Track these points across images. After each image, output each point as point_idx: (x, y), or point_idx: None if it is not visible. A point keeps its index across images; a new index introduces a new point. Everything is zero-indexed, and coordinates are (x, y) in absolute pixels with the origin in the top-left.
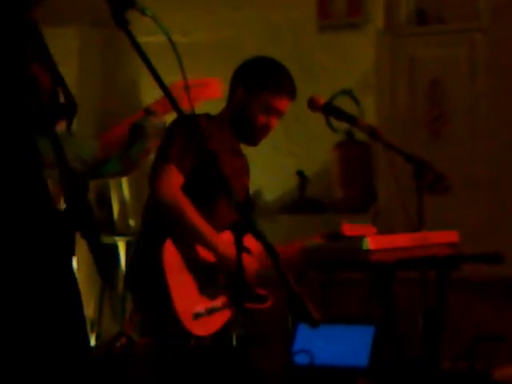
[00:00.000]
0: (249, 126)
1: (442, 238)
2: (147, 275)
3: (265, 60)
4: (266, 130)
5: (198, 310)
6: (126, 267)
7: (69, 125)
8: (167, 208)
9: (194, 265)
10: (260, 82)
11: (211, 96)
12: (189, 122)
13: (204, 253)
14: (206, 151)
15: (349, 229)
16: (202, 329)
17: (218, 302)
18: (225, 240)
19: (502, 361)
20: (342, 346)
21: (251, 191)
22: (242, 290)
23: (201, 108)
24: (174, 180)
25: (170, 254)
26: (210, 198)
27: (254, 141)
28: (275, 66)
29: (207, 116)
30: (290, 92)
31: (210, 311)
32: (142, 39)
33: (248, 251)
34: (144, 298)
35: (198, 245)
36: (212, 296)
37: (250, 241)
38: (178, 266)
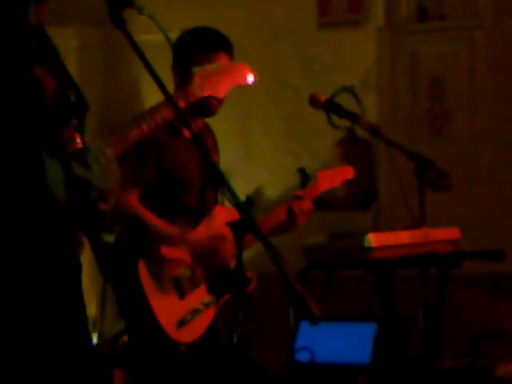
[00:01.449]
0: (198, 101)
1: (443, 235)
2: (127, 293)
3: (187, 31)
4: (216, 98)
5: (182, 318)
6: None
7: (80, 125)
8: (122, 219)
9: (167, 274)
10: (188, 54)
11: (239, 82)
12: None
13: (177, 255)
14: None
15: (324, 177)
16: (189, 335)
17: (199, 303)
18: (198, 233)
19: (504, 357)
20: (344, 344)
21: (252, 189)
22: (243, 288)
23: None
24: (131, 207)
25: (145, 271)
26: (176, 196)
27: (209, 113)
28: (196, 32)
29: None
30: (227, 48)
31: (194, 313)
32: (140, 38)
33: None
34: (127, 313)
35: (165, 246)
36: (192, 298)
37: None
38: (154, 281)
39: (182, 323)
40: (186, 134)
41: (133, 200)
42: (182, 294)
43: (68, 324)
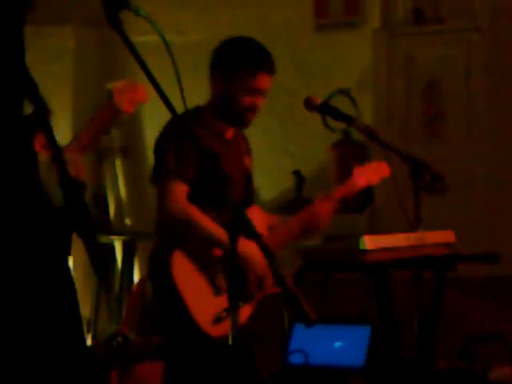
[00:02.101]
0: (235, 111)
1: (438, 237)
2: (161, 289)
3: (235, 41)
4: (253, 110)
5: (218, 314)
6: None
7: (48, 135)
8: (178, 222)
9: (205, 268)
10: (234, 65)
11: (141, 101)
12: (182, 125)
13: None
14: (204, 154)
15: (360, 174)
16: (223, 329)
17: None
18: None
19: (499, 360)
20: (338, 346)
21: None
22: (240, 287)
23: None
24: (178, 196)
25: (179, 264)
26: (215, 206)
27: (243, 124)
28: (246, 44)
29: (196, 111)
30: (268, 67)
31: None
32: (137, 39)
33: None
34: (162, 309)
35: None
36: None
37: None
38: (189, 274)
39: (217, 320)
40: (227, 136)
41: (184, 200)
42: (216, 291)
43: (62, 325)
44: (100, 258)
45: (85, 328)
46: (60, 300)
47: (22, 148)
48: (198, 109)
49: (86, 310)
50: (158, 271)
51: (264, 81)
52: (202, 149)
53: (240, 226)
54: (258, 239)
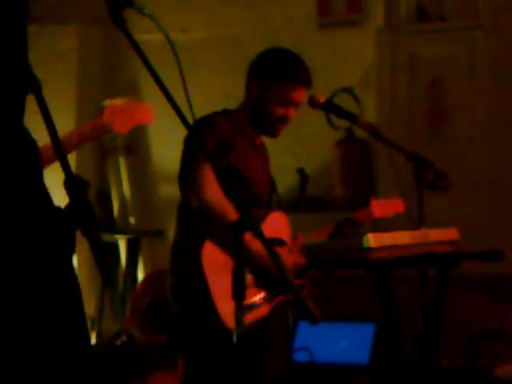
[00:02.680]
0: (267, 119)
1: (442, 235)
2: (188, 280)
3: (278, 51)
4: (284, 121)
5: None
6: (170, 273)
7: (51, 133)
8: (211, 212)
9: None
10: (274, 75)
11: (141, 122)
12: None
13: None
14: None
15: (377, 206)
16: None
17: (257, 298)
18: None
19: (503, 358)
20: (343, 344)
21: None
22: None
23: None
24: (212, 179)
25: (210, 258)
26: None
27: (273, 133)
28: (288, 56)
29: (225, 113)
30: (305, 81)
31: (251, 307)
32: (140, 37)
33: (282, 243)
34: (187, 302)
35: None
36: (251, 291)
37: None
38: (217, 268)
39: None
40: (257, 141)
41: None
42: None
43: (66, 323)
44: (104, 256)
45: (89, 326)
46: (64, 298)
47: (24, 146)
48: (229, 111)
49: (90, 308)
50: (187, 262)
51: (301, 94)
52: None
53: (245, 227)
54: (263, 238)
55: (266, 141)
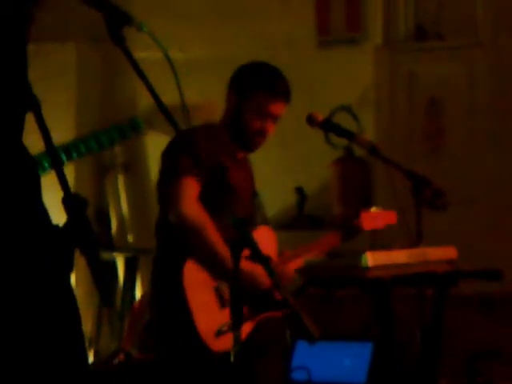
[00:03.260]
0: (244, 131)
1: (440, 254)
2: (168, 297)
3: (258, 64)
4: (261, 135)
5: (220, 327)
6: (150, 286)
7: (50, 150)
8: (189, 227)
9: (213, 280)
10: (252, 87)
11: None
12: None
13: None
14: (214, 164)
15: (367, 218)
16: (224, 344)
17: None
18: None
19: (501, 378)
20: (340, 363)
21: None
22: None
23: None
24: (191, 194)
25: (190, 274)
26: (219, 210)
27: (250, 147)
28: (268, 69)
29: (206, 127)
30: (283, 94)
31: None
32: (139, 55)
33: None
34: (165, 317)
35: (212, 264)
36: None
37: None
38: (199, 285)
39: (220, 332)
40: (238, 155)
41: (198, 202)
42: (222, 304)
43: (64, 342)
44: (102, 274)
45: (87, 345)
46: (62, 316)
47: (23, 164)
48: (209, 125)
49: (88, 326)
50: (168, 280)
51: (279, 107)
52: (212, 161)
53: (243, 245)
54: (260, 256)
55: (263, 159)
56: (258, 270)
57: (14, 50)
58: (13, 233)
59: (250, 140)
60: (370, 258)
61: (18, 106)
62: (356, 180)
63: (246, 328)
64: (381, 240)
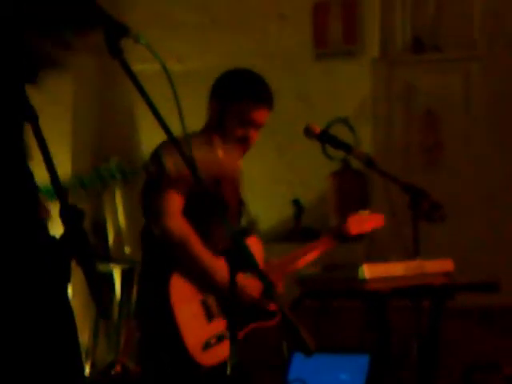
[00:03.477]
0: (227, 139)
1: (437, 266)
2: (154, 310)
3: (240, 71)
4: (245, 143)
5: (208, 340)
6: (136, 300)
7: (47, 163)
8: (173, 241)
9: (200, 293)
10: (235, 94)
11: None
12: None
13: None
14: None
15: (354, 222)
16: (212, 358)
17: (224, 329)
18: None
19: None
20: (337, 375)
21: (245, 219)
22: (235, 318)
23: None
24: (175, 208)
25: (177, 287)
26: (206, 222)
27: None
28: (250, 76)
29: (189, 136)
30: (267, 102)
31: (220, 338)
32: (137, 67)
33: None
34: (152, 332)
35: (199, 277)
36: (219, 322)
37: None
38: (186, 298)
39: (207, 346)
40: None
41: (181, 215)
42: (209, 317)
43: (60, 353)
44: (99, 286)
45: (83, 356)
46: (59, 328)
47: (21, 176)
48: (192, 134)
49: (84, 338)
50: (154, 294)
51: (262, 115)
52: (199, 171)
53: (239, 256)
54: (258, 270)
55: (260, 171)
56: (245, 281)
57: (13, 67)
58: (10, 244)
59: (234, 148)
60: (367, 271)
61: (15, 118)
62: (353, 192)
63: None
64: (378, 252)
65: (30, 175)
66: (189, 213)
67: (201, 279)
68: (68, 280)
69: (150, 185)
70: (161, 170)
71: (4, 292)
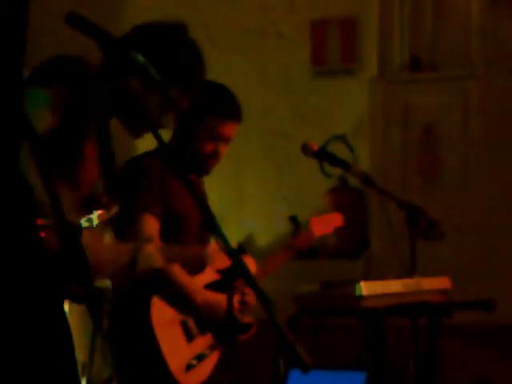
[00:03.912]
0: (196, 155)
1: (434, 284)
2: (136, 335)
3: (208, 85)
4: (215, 157)
5: (190, 361)
6: (111, 322)
7: (44, 179)
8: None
9: (180, 313)
10: (200, 110)
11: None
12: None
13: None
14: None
15: (316, 224)
16: (195, 379)
17: (204, 347)
18: (200, 285)
19: None
20: None
21: (244, 236)
22: (233, 335)
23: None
24: (151, 231)
25: (158, 311)
26: (179, 237)
27: (204, 170)
28: (216, 90)
29: (156, 152)
30: (234, 115)
31: (200, 358)
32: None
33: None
34: (134, 356)
35: (179, 300)
36: (199, 342)
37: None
38: (166, 321)
39: (189, 367)
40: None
41: (159, 239)
42: (189, 338)
43: (57, 369)
44: (96, 301)
45: (80, 372)
46: (55, 344)
47: (18, 191)
48: (157, 151)
49: (81, 353)
50: (135, 318)
51: (231, 129)
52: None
53: (237, 274)
54: (255, 286)
55: (258, 188)
56: (218, 298)
57: (9, 81)
58: (7, 259)
59: (204, 163)
60: (364, 288)
61: (13, 134)
62: (350, 210)
63: (213, 358)
64: (375, 270)
65: (30, 189)
66: (163, 234)
67: (181, 300)
68: (65, 296)
69: (126, 208)
70: (138, 193)
71: (0, 307)
